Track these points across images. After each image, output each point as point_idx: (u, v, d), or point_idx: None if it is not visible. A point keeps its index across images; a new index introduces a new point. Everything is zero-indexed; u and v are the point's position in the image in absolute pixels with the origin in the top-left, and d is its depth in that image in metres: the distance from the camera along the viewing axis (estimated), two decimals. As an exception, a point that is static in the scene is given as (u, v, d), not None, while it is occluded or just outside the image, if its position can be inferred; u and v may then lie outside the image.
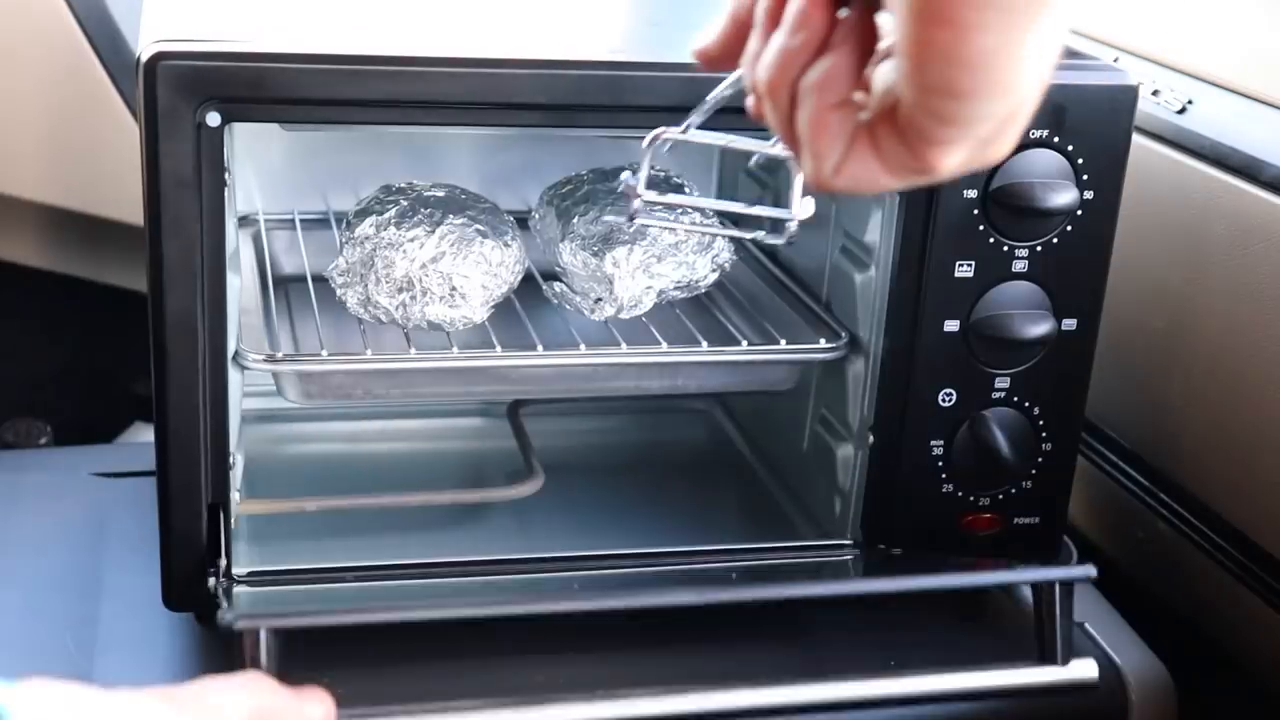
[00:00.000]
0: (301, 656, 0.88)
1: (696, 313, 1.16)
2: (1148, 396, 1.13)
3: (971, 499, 1.03)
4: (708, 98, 0.76)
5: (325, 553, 1.03)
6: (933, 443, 1.01)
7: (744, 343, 1.08)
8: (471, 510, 1.14)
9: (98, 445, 1.46)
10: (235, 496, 1.00)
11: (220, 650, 0.91)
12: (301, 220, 1.25)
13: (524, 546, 1.08)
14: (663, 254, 1.06)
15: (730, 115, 0.71)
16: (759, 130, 0.66)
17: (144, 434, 1.56)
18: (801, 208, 0.85)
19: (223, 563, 0.95)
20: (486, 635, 0.98)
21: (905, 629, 1.03)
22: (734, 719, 0.96)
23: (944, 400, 1.00)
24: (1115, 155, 0.97)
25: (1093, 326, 1.01)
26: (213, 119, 0.87)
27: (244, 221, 1.23)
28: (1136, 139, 0.99)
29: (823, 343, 1.07)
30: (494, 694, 0.94)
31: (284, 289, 1.20)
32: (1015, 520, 1.04)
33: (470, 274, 1.02)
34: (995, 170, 0.95)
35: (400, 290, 1.02)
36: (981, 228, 0.97)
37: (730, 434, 1.31)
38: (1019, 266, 0.98)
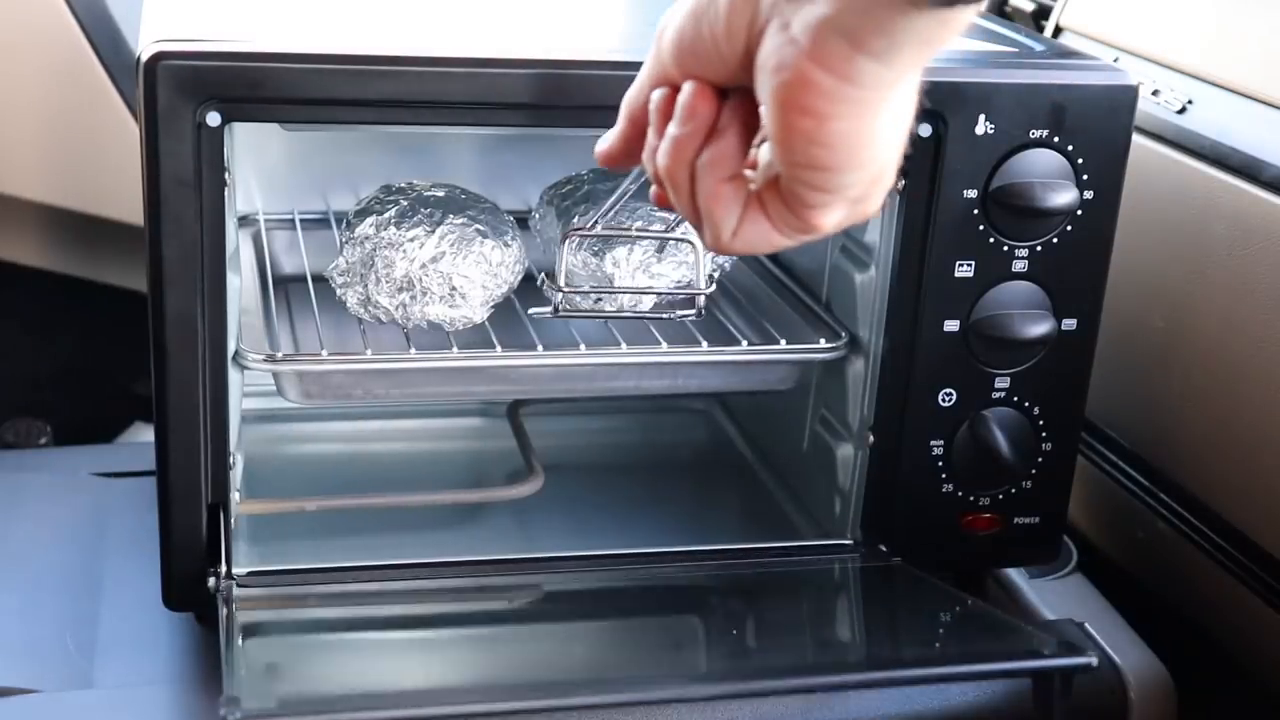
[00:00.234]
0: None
1: (697, 312, 1.16)
2: (1147, 396, 1.13)
3: (971, 499, 1.03)
4: (614, 194, 0.89)
5: (325, 553, 1.03)
6: (933, 443, 1.01)
7: (744, 343, 1.08)
8: (471, 510, 1.14)
9: (98, 445, 1.47)
10: (235, 496, 1.00)
11: (220, 650, 0.91)
12: (301, 220, 1.25)
13: (524, 546, 1.08)
14: (663, 254, 1.06)
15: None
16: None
17: (144, 434, 1.56)
18: (707, 283, 0.99)
19: (223, 563, 0.95)
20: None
21: (905, 628, 1.03)
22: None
23: (944, 400, 1.00)
24: (1115, 155, 0.97)
25: (1093, 326, 1.01)
26: (213, 119, 0.87)
27: (244, 221, 1.23)
28: (1136, 139, 0.99)
29: (823, 342, 1.07)
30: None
31: (284, 289, 1.20)
32: (1015, 520, 1.04)
33: (470, 274, 1.02)
34: (995, 170, 0.95)
35: (400, 290, 1.02)
36: (981, 227, 0.97)
37: (730, 434, 1.31)
38: (1019, 266, 0.98)
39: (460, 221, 1.03)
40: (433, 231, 1.02)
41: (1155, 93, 1.13)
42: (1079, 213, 0.97)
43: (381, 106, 0.90)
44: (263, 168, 1.27)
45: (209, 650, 0.97)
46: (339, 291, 1.05)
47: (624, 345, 1.05)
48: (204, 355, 0.92)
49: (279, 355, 1.00)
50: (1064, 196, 0.96)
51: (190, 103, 0.87)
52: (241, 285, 1.08)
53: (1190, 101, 1.10)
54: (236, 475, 1.00)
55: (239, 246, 1.09)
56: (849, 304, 1.07)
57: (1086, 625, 1.06)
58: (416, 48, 0.92)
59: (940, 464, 1.02)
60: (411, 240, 1.02)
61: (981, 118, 0.94)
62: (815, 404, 1.14)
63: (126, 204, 1.38)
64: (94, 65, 1.41)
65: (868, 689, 0.96)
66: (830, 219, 0.63)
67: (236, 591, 0.94)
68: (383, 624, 1.00)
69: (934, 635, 0.99)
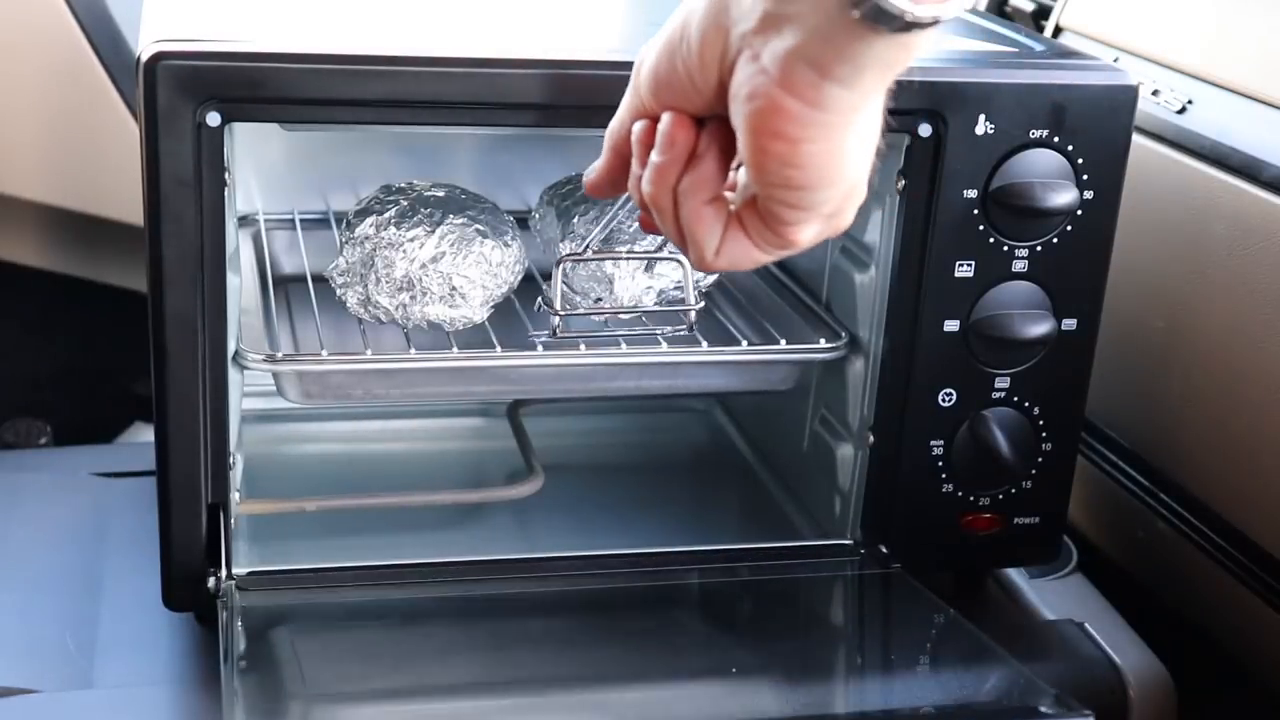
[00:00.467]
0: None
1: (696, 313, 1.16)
2: (1147, 396, 1.13)
3: (971, 499, 1.03)
4: (601, 222, 0.95)
5: (325, 553, 1.03)
6: (933, 443, 1.01)
7: (744, 343, 1.08)
8: (471, 510, 1.14)
9: (98, 445, 1.47)
10: (235, 496, 1.00)
11: (219, 650, 0.91)
12: (301, 220, 1.25)
13: (524, 546, 1.08)
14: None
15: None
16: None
17: (144, 434, 1.56)
18: (695, 299, 1.01)
19: (223, 563, 0.95)
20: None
21: (902, 629, 1.03)
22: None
23: (944, 400, 1.00)
24: (1115, 155, 0.97)
25: (1093, 326, 1.01)
26: (213, 119, 0.87)
27: (244, 221, 1.23)
28: (1136, 139, 0.99)
29: (823, 343, 1.07)
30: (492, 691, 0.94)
31: (284, 289, 1.20)
32: (1015, 520, 1.04)
33: (470, 274, 1.02)
34: (995, 170, 0.95)
35: (400, 290, 1.02)
36: (981, 227, 0.97)
37: (730, 434, 1.31)
38: (1019, 266, 0.98)
39: (460, 221, 1.03)
40: (433, 231, 1.02)
41: (1155, 93, 1.13)
42: (1079, 213, 0.97)
43: (381, 106, 0.90)
44: (263, 168, 1.27)
45: (209, 650, 0.97)
46: (339, 291, 1.05)
47: (624, 345, 1.05)
48: (204, 355, 0.92)
49: (279, 355, 1.00)
50: (1064, 196, 0.96)
51: (190, 103, 0.87)
52: (241, 285, 1.08)
53: (1190, 101, 1.10)
54: (236, 475, 1.00)
55: (239, 246, 1.09)
56: (849, 304, 1.07)
57: (1086, 625, 1.06)
58: (416, 48, 0.91)
59: (940, 464, 1.02)
60: (411, 240, 1.02)
61: (981, 118, 0.94)
62: (815, 404, 1.14)
63: (126, 204, 1.38)
64: (94, 65, 1.41)
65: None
66: (806, 234, 0.67)
67: (236, 592, 0.94)
68: (383, 624, 1.00)
69: (926, 668, 0.98)
